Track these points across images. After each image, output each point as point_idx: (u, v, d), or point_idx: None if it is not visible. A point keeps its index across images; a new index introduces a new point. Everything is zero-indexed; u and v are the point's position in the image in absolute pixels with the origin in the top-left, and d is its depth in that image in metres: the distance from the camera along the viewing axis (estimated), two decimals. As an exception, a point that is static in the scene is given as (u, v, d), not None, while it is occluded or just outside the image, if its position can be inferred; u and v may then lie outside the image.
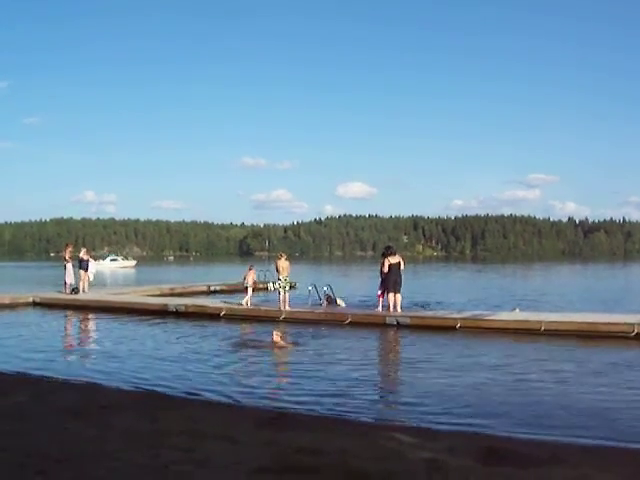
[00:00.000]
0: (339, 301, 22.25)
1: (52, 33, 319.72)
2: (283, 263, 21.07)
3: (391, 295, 19.56)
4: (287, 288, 21.05)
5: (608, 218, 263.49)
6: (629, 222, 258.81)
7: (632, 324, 15.83)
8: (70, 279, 27.06)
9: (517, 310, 19.94)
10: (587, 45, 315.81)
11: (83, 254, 27.86)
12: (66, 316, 22.72)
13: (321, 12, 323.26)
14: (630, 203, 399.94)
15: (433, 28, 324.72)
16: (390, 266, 19.64)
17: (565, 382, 11.01)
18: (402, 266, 19.93)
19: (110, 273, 68.23)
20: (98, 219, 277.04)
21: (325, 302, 21.99)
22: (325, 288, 22.55)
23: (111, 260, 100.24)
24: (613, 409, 9.08)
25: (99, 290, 29.25)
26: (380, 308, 19.95)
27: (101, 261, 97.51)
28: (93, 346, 16.11)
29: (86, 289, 27.28)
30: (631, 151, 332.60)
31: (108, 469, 5.38)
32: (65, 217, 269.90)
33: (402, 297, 19.93)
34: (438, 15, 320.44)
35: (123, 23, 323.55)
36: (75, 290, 26.72)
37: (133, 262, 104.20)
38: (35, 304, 25.26)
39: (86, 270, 27.42)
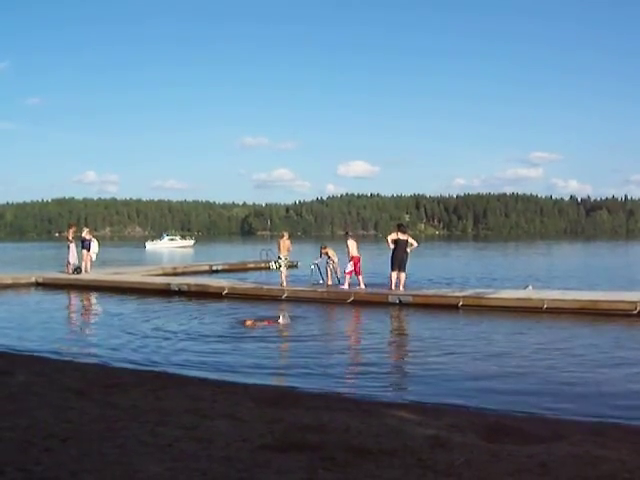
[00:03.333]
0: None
1: (52, 13, 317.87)
2: (284, 242, 21.32)
3: (394, 273, 19.45)
4: (285, 266, 21.43)
5: (610, 196, 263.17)
6: (631, 200, 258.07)
7: (634, 302, 15.84)
8: (73, 259, 27.08)
9: (530, 288, 19.89)
10: (588, 24, 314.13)
11: (86, 234, 27.85)
12: (69, 296, 22.79)
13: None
14: (632, 181, 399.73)
15: (432, 9, 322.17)
16: (397, 242, 19.51)
17: (567, 359, 11.04)
18: (409, 246, 19.66)
19: (168, 253, 66.52)
20: (100, 199, 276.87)
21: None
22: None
23: (169, 239, 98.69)
24: (614, 386, 9.12)
25: (102, 270, 29.25)
26: (362, 286, 20.33)
27: (158, 241, 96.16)
28: (95, 326, 16.17)
29: (89, 269, 27.29)
30: (634, 129, 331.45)
31: (112, 447, 5.41)
32: (67, 197, 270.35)
33: (407, 275, 19.95)
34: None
35: (124, 4, 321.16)
36: (78, 270, 26.73)
37: (191, 242, 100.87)
38: (38, 284, 25.33)
39: (88, 250, 27.41)
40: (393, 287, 19.34)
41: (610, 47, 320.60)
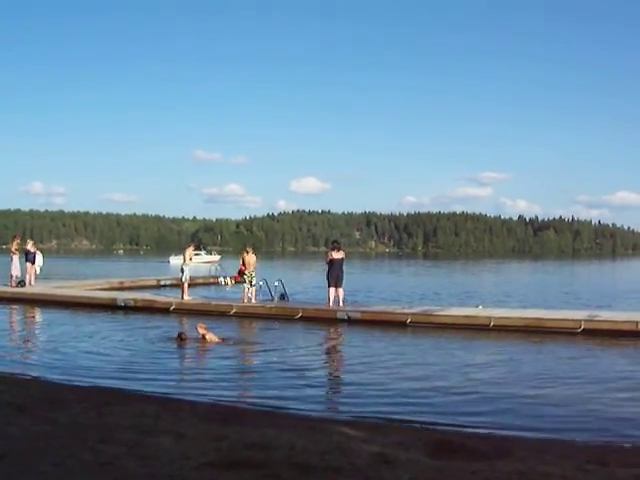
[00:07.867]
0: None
1: None
2: (250, 258, 21.46)
3: (332, 289, 19.72)
4: (253, 283, 21.41)
5: (558, 217, 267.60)
6: (577, 221, 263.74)
7: (579, 320, 16.14)
8: (16, 272, 26.52)
9: (480, 307, 20.07)
10: (540, 40, 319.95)
11: (30, 246, 27.32)
12: (11, 310, 22.26)
13: (270, 7, 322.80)
14: (579, 202, 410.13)
15: (384, 24, 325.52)
16: (333, 261, 19.85)
17: (511, 376, 11.17)
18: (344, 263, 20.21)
19: (193, 268, 63.90)
20: (47, 211, 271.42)
21: (277, 299, 21.90)
22: (276, 283, 22.47)
23: (194, 254, 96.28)
24: (556, 404, 9.24)
25: (46, 283, 28.63)
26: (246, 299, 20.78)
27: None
28: (38, 340, 15.82)
29: (32, 282, 26.76)
30: (581, 149, 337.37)
31: (52, 465, 5.26)
32: (12, 209, 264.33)
33: (344, 291, 20.20)
34: (395, 11, 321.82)
35: (68, 22, 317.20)
36: (21, 283, 26.18)
37: (217, 257, 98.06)
38: (-21, 297, 24.67)
39: (33, 263, 26.89)
40: (331, 303, 19.60)
41: (563, 64, 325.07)
